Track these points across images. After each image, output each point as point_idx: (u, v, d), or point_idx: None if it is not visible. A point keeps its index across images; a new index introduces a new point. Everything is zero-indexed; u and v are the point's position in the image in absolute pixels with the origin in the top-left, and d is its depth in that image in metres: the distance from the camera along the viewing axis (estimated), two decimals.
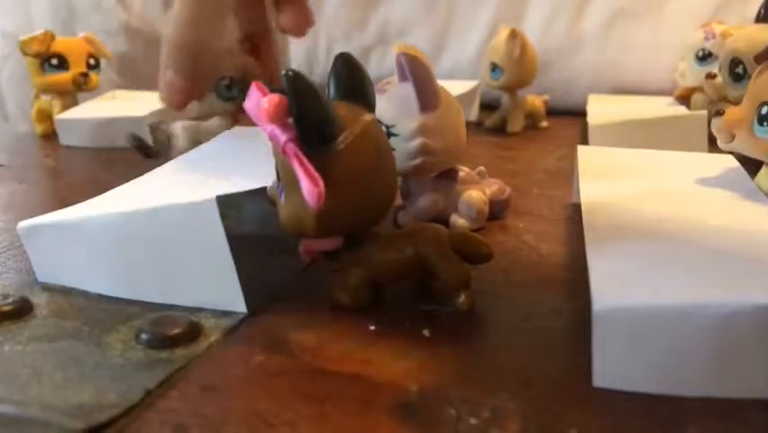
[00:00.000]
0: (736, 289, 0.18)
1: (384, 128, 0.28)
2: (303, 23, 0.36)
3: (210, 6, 0.33)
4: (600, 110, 0.53)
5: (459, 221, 0.30)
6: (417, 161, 0.29)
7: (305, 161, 0.20)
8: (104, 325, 0.22)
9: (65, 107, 0.54)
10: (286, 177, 0.21)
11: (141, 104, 0.54)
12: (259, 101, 0.20)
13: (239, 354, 0.20)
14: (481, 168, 0.33)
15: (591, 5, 0.67)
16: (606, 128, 0.47)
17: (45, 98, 0.55)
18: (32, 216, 0.26)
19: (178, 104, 0.34)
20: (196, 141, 0.38)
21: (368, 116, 0.22)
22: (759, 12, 0.37)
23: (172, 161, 0.32)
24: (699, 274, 0.19)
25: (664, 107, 0.52)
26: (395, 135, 0.29)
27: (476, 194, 0.31)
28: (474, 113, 0.60)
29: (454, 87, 0.42)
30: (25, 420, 0.17)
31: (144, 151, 0.40)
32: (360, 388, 0.18)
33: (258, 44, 0.40)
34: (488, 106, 0.61)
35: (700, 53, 0.51)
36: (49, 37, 0.53)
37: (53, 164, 0.48)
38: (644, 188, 0.28)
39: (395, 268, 0.23)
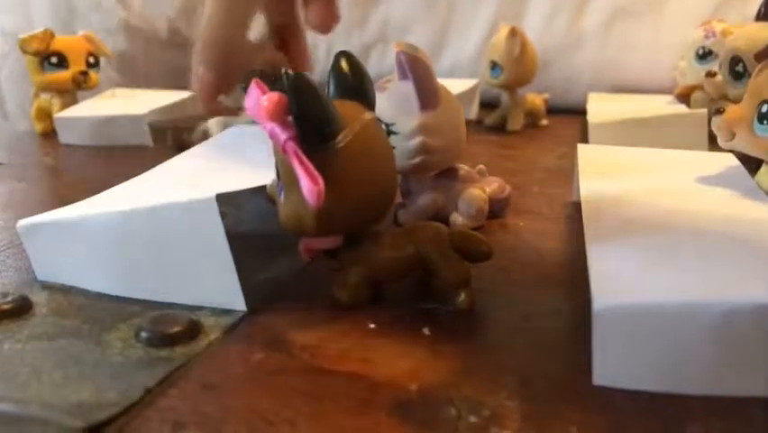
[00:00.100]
0: (737, 287, 0.18)
1: (384, 126, 0.28)
2: (329, 20, 0.36)
3: (241, 4, 0.33)
4: (600, 108, 0.53)
5: (459, 219, 0.30)
6: (417, 159, 0.29)
7: (304, 159, 0.20)
8: (103, 323, 0.22)
9: (64, 106, 0.54)
10: (285, 175, 0.21)
11: (140, 102, 0.55)
12: (258, 99, 0.20)
13: (239, 352, 0.20)
14: (481, 166, 0.33)
15: (592, 4, 0.67)
16: (606, 126, 0.47)
17: (45, 97, 0.55)
18: (31, 215, 0.26)
19: (208, 98, 0.35)
20: None
21: (368, 115, 0.22)
22: (759, 10, 0.37)
23: (171, 160, 0.32)
24: (700, 273, 0.19)
25: (664, 106, 0.52)
26: (395, 134, 0.28)
27: (476, 192, 0.30)
28: (474, 111, 0.60)
29: (454, 86, 0.42)
30: (25, 419, 0.17)
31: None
32: (359, 387, 0.18)
33: (287, 39, 0.40)
34: (488, 105, 0.61)
35: (700, 51, 0.51)
36: (48, 35, 0.53)
37: (53, 162, 0.48)
38: (645, 187, 0.28)
39: (395, 266, 0.23)
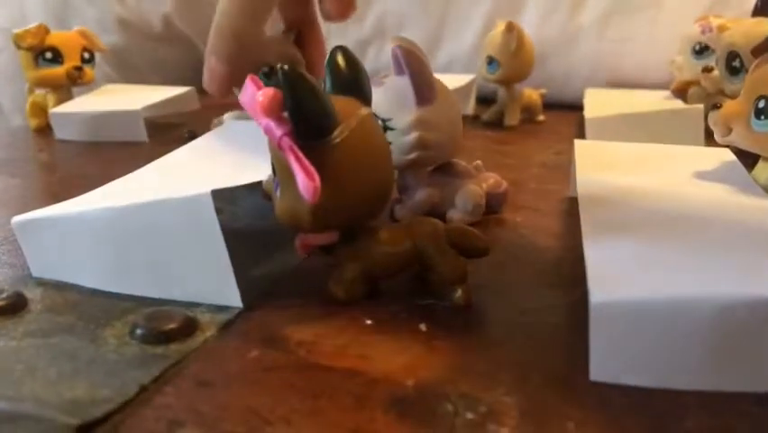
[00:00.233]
0: (734, 281, 0.18)
1: (380, 122, 0.28)
2: (346, 8, 0.36)
3: None
4: (597, 104, 0.53)
5: (456, 215, 0.30)
6: (414, 155, 0.29)
7: (300, 155, 0.20)
8: (98, 320, 0.22)
9: (59, 101, 0.53)
10: (281, 171, 0.21)
11: (135, 97, 0.54)
12: (254, 95, 0.20)
13: (234, 349, 0.20)
14: (478, 162, 0.33)
15: None
16: (603, 122, 0.47)
17: (39, 92, 0.55)
18: (26, 211, 0.26)
19: (219, 91, 0.34)
20: None
21: (364, 110, 0.22)
22: (756, 5, 0.37)
23: (167, 156, 0.32)
24: (696, 267, 0.19)
25: (661, 101, 0.52)
26: (391, 129, 0.28)
27: (473, 188, 0.30)
28: (471, 106, 0.60)
29: (451, 81, 0.42)
30: (19, 416, 0.17)
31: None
32: (356, 383, 0.18)
33: (304, 32, 0.40)
34: (484, 100, 0.61)
35: (697, 47, 0.50)
36: (43, 30, 0.52)
37: (48, 158, 0.48)
38: (642, 182, 0.28)
39: (391, 262, 0.23)
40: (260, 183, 0.25)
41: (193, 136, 0.41)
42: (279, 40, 0.40)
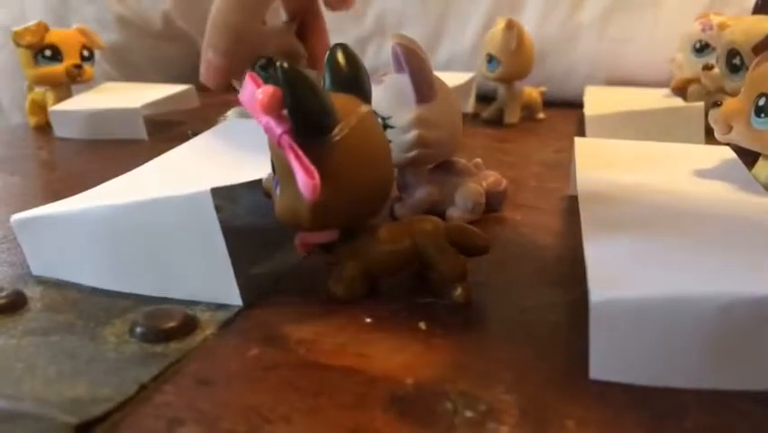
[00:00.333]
0: (735, 280, 0.18)
1: (380, 120, 0.28)
2: None
3: None
4: (597, 102, 0.53)
5: (455, 213, 0.30)
6: (414, 153, 0.29)
7: (300, 153, 0.20)
8: (98, 318, 0.22)
9: (59, 99, 0.53)
10: (281, 169, 0.21)
11: (135, 95, 0.54)
12: (253, 93, 0.20)
13: (234, 347, 0.20)
14: (478, 160, 0.33)
15: None
16: (603, 120, 0.47)
17: (39, 90, 0.54)
18: (26, 209, 0.26)
19: (216, 83, 0.34)
20: None
21: (364, 108, 0.22)
22: (756, 3, 0.37)
23: (166, 154, 0.32)
24: (697, 266, 0.19)
25: (661, 99, 0.52)
26: (391, 127, 0.28)
27: (473, 186, 0.30)
28: (471, 104, 0.60)
29: (451, 79, 0.42)
30: (18, 415, 0.17)
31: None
32: (355, 381, 0.18)
33: (307, 22, 0.39)
34: (484, 98, 0.60)
35: (697, 44, 0.50)
36: (42, 28, 0.52)
37: (47, 156, 0.48)
38: (642, 180, 0.28)
39: (391, 260, 0.23)
40: (259, 181, 0.25)
41: (197, 135, 0.41)
42: (280, 31, 0.39)
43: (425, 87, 0.28)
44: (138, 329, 0.21)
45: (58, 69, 0.53)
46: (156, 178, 0.28)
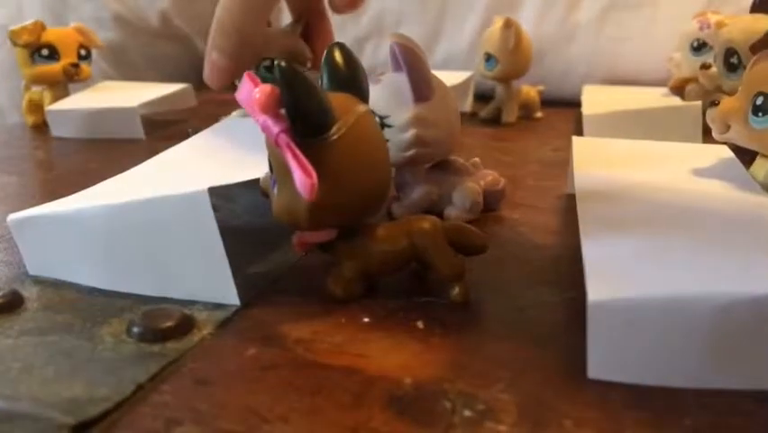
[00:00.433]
0: (733, 279, 0.18)
1: (378, 119, 0.28)
2: (354, 0, 0.35)
3: None
4: (595, 101, 0.53)
5: (453, 212, 0.30)
6: (411, 152, 0.29)
7: (297, 152, 0.20)
8: (95, 318, 0.22)
9: (56, 98, 0.53)
10: (278, 168, 0.21)
11: (132, 94, 0.54)
12: (251, 92, 0.20)
13: (232, 347, 0.20)
14: (476, 159, 0.33)
15: None
16: (601, 119, 0.47)
17: (36, 89, 0.54)
18: (22, 209, 0.25)
19: (220, 85, 0.34)
20: None
21: (361, 107, 0.22)
22: (754, 1, 0.37)
23: (163, 153, 0.32)
24: (695, 265, 0.19)
25: (659, 98, 0.52)
26: (389, 126, 0.28)
27: (471, 185, 0.30)
28: (468, 103, 0.60)
29: (448, 78, 0.42)
30: (16, 415, 0.17)
31: None
32: (353, 381, 0.18)
33: (312, 24, 0.39)
34: (482, 97, 0.60)
35: (695, 43, 0.50)
36: (39, 27, 0.52)
37: (44, 156, 0.48)
38: (639, 179, 0.28)
39: (389, 260, 0.23)
40: (257, 180, 0.25)
41: (197, 132, 0.40)
42: (285, 32, 0.39)
43: (422, 86, 0.28)
44: (135, 329, 0.21)
45: (55, 68, 0.52)
46: (153, 177, 0.28)
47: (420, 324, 0.21)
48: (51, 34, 0.53)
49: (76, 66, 0.53)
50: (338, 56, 0.22)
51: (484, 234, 0.23)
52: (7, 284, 0.24)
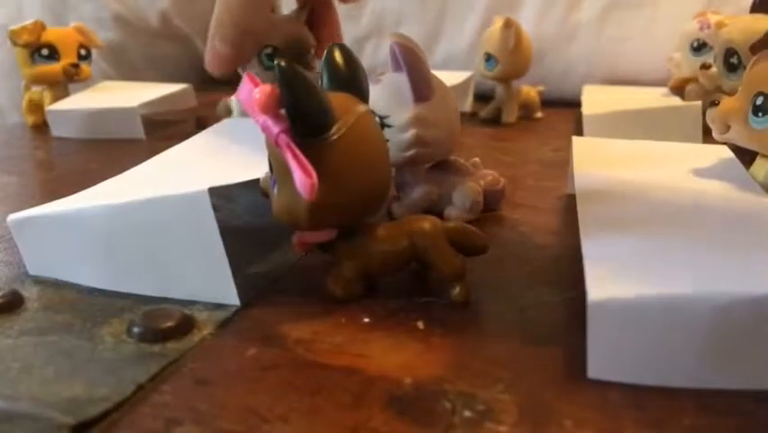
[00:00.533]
0: (733, 279, 0.18)
1: (378, 119, 0.28)
2: None
3: None
4: (595, 101, 0.53)
5: (453, 212, 0.30)
6: (411, 152, 0.29)
7: (297, 152, 0.20)
8: (95, 318, 0.22)
9: (56, 98, 0.53)
10: (278, 168, 0.21)
11: (132, 94, 0.54)
12: (251, 92, 0.20)
13: (232, 347, 0.20)
14: (476, 159, 0.33)
15: None
16: (601, 119, 0.47)
17: (36, 89, 0.54)
18: (23, 209, 0.25)
19: (221, 72, 0.34)
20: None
21: (361, 107, 0.22)
22: (754, 1, 0.37)
23: (164, 153, 0.32)
24: (695, 265, 0.19)
25: (659, 98, 0.52)
26: (389, 126, 0.28)
27: (471, 185, 0.30)
28: (468, 104, 0.60)
29: (448, 78, 0.42)
30: (15, 415, 0.17)
31: None
32: (353, 381, 0.18)
33: (317, 11, 0.39)
34: (482, 97, 0.60)
35: (695, 43, 0.50)
36: (39, 27, 0.52)
37: (44, 156, 0.48)
38: (640, 179, 0.28)
39: (389, 260, 0.23)
40: (257, 181, 0.25)
41: (201, 125, 0.40)
42: (289, 19, 0.39)
43: (422, 85, 0.28)
44: (135, 329, 0.21)
45: (55, 68, 0.52)
46: (153, 177, 0.28)
47: (420, 324, 0.21)
48: (51, 34, 0.53)
49: (76, 66, 0.53)
50: (338, 56, 0.22)
51: (484, 235, 0.23)
52: (7, 284, 0.24)
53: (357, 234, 0.23)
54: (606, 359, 0.18)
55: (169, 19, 0.76)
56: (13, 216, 0.25)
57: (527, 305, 0.23)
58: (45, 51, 0.52)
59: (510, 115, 0.55)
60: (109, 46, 0.70)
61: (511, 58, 0.52)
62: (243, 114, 0.41)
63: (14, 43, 0.52)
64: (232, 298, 0.22)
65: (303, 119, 0.20)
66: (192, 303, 0.22)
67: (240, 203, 0.26)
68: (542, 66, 0.63)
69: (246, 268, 0.25)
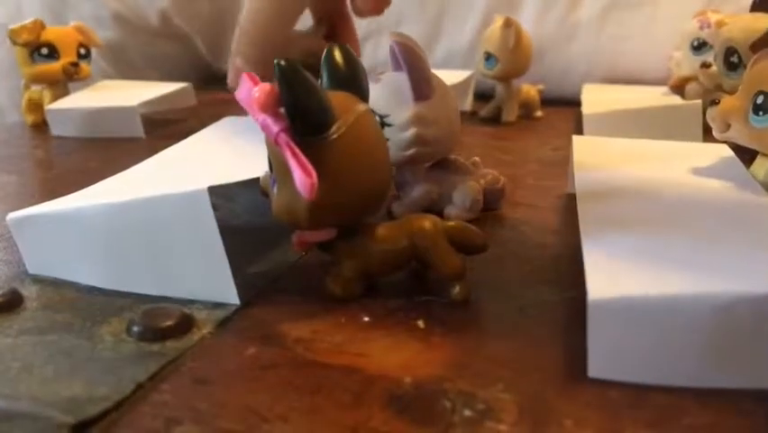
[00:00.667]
0: (733, 278, 0.18)
1: (378, 118, 0.28)
2: (379, 3, 0.35)
3: (292, 3, 0.33)
4: (595, 100, 0.53)
5: (453, 212, 0.30)
6: (411, 151, 0.29)
7: (297, 151, 0.19)
8: (95, 317, 0.22)
9: (56, 97, 0.53)
10: (278, 168, 0.21)
11: (132, 93, 0.54)
12: (250, 90, 0.20)
13: (232, 346, 0.20)
14: (476, 158, 0.33)
15: None
16: (600, 118, 0.47)
17: (36, 88, 0.54)
18: (22, 208, 0.25)
19: None
20: None
21: (361, 106, 0.22)
22: (754, 0, 0.37)
23: (164, 152, 0.32)
24: (695, 264, 0.19)
25: (659, 97, 0.52)
26: (389, 125, 0.28)
27: (471, 184, 0.30)
28: (468, 102, 0.60)
29: (448, 77, 0.42)
30: (15, 414, 0.17)
31: None
32: (353, 380, 0.18)
33: (336, 25, 0.39)
34: (482, 96, 0.60)
35: (695, 42, 0.50)
36: (38, 26, 0.52)
37: (44, 155, 0.48)
38: (640, 178, 0.28)
39: (389, 259, 0.23)
40: (256, 180, 0.25)
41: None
42: (307, 34, 0.39)
43: (422, 84, 0.28)
44: (135, 328, 0.21)
45: (54, 66, 0.52)
46: (153, 176, 0.28)
47: (420, 323, 0.21)
48: (51, 33, 0.53)
49: (75, 65, 0.53)
50: (338, 55, 0.22)
51: (484, 234, 0.23)
52: (7, 283, 0.24)
53: (357, 233, 0.23)
54: (606, 358, 0.18)
55: (168, 18, 0.76)
56: (12, 215, 0.25)
57: (527, 304, 0.23)
58: (45, 50, 0.52)
59: (510, 114, 0.55)
60: (109, 45, 0.70)
61: (511, 57, 0.52)
62: None
63: (14, 42, 0.52)
64: (231, 297, 0.22)
65: (303, 118, 0.20)
66: (191, 302, 0.22)
67: (239, 202, 0.26)
68: (542, 65, 0.63)
69: (246, 267, 0.25)
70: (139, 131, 0.50)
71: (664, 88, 0.54)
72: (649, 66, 0.63)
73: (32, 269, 0.25)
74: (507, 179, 0.33)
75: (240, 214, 0.26)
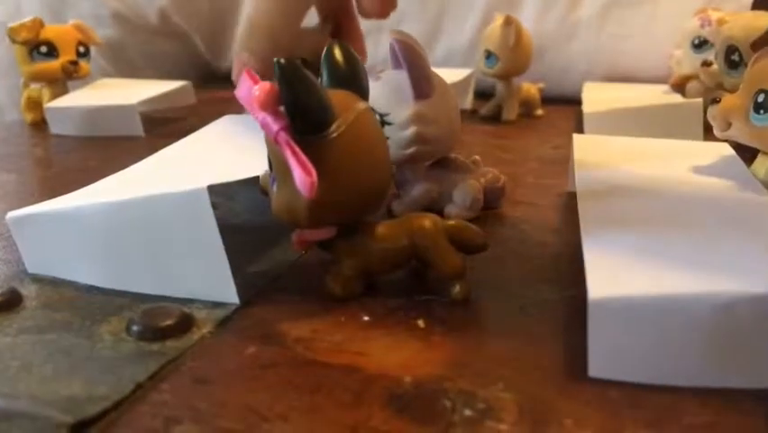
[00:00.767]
0: (734, 278, 0.18)
1: (378, 116, 0.28)
2: (386, 5, 0.35)
3: (298, 1, 0.33)
4: (596, 98, 0.53)
5: (453, 210, 0.30)
6: (412, 149, 0.29)
7: (297, 150, 0.19)
8: (94, 316, 0.22)
9: (55, 96, 0.53)
10: (278, 166, 0.21)
11: (131, 91, 0.54)
12: (250, 89, 0.20)
13: (231, 345, 0.20)
14: (476, 157, 0.33)
15: None
16: (601, 116, 0.47)
17: (35, 87, 0.54)
18: (21, 206, 0.25)
19: None
20: None
21: (361, 105, 0.22)
22: None
23: (163, 150, 0.31)
24: (696, 263, 0.19)
25: (660, 95, 0.52)
26: (389, 124, 0.28)
27: (471, 183, 0.30)
28: (469, 101, 0.60)
29: (449, 75, 0.42)
30: (14, 414, 0.17)
31: None
32: (353, 379, 0.18)
33: (341, 24, 0.39)
34: (482, 95, 0.60)
35: (696, 41, 0.50)
36: (38, 24, 0.52)
37: (43, 153, 0.48)
38: (640, 177, 0.28)
39: (389, 258, 0.23)
40: (256, 178, 0.25)
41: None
42: (314, 32, 0.39)
43: (422, 83, 0.28)
44: (134, 327, 0.20)
45: (53, 65, 0.52)
46: (152, 174, 0.28)
47: (420, 322, 0.21)
48: (50, 31, 0.52)
49: (74, 63, 0.53)
50: (337, 53, 0.22)
51: (484, 233, 0.23)
52: (6, 282, 0.24)
53: (357, 232, 0.23)
54: (606, 358, 0.18)
55: (167, 16, 0.76)
56: (11, 214, 0.25)
57: (528, 303, 0.23)
58: (44, 49, 0.52)
59: (510, 113, 0.55)
60: (108, 43, 0.70)
61: (511, 55, 0.52)
62: None
63: (13, 41, 0.52)
64: (231, 296, 0.22)
65: (302, 116, 0.20)
66: (191, 301, 0.22)
67: (239, 201, 0.26)
68: (542, 63, 0.63)
69: (245, 266, 0.25)
70: (138, 129, 0.50)
71: (665, 87, 0.54)
72: (650, 64, 0.62)
73: (32, 268, 0.25)
74: (508, 178, 0.33)
75: (239, 212, 0.26)
